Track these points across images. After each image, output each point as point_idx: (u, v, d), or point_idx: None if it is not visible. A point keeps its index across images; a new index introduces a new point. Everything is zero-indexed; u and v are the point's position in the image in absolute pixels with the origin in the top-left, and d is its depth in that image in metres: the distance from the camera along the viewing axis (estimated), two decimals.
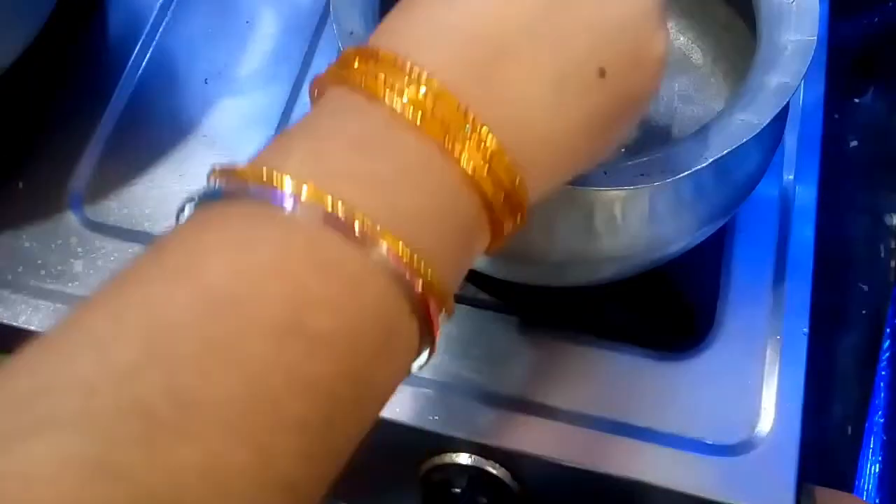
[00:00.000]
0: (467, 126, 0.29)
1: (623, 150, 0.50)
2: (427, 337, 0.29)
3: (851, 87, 0.75)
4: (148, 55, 0.61)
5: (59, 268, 0.53)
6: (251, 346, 0.25)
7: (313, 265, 0.26)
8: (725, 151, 0.39)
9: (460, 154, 0.29)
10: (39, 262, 0.53)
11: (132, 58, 0.60)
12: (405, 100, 0.28)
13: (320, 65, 0.60)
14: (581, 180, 0.39)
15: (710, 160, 0.38)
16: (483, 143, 0.29)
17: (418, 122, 0.28)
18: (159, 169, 0.56)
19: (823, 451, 0.59)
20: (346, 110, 0.29)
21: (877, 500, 0.59)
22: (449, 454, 0.49)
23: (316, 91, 0.31)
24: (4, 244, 0.54)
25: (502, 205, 0.30)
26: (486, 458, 0.49)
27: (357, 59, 0.30)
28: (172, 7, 0.62)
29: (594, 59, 0.31)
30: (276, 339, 0.25)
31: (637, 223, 0.42)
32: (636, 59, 0.32)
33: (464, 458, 0.49)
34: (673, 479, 0.46)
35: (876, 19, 0.74)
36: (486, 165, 0.29)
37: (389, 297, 0.27)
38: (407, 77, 0.29)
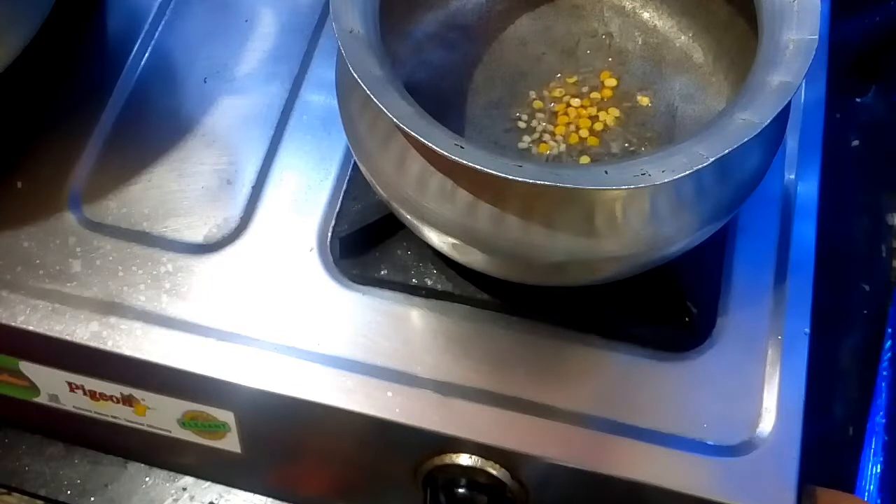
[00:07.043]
0: None
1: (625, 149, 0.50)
2: None
3: (853, 86, 0.75)
4: (147, 54, 0.60)
5: (57, 267, 0.53)
6: None
7: None
8: (726, 151, 0.39)
9: None
10: (38, 261, 0.53)
11: (131, 57, 0.60)
12: None
13: (320, 64, 0.60)
14: (581, 180, 0.39)
15: (711, 160, 0.38)
16: None
17: None
18: (158, 168, 0.55)
19: (825, 451, 0.59)
20: None
21: (878, 501, 0.58)
22: (449, 454, 0.49)
23: None
24: (3, 244, 0.54)
25: None
26: (486, 458, 0.49)
27: None
28: (171, 6, 0.62)
29: None
30: None
31: (637, 223, 0.42)
32: None
33: (464, 458, 0.49)
34: (673, 479, 0.46)
35: (877, 19, 0.74)
36: None
37: None
38: None
